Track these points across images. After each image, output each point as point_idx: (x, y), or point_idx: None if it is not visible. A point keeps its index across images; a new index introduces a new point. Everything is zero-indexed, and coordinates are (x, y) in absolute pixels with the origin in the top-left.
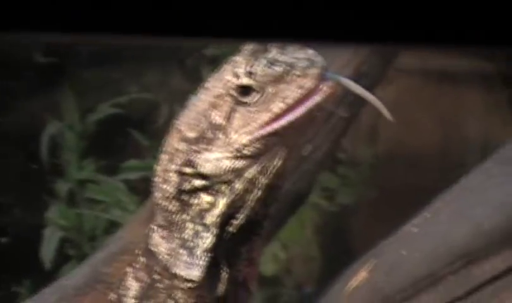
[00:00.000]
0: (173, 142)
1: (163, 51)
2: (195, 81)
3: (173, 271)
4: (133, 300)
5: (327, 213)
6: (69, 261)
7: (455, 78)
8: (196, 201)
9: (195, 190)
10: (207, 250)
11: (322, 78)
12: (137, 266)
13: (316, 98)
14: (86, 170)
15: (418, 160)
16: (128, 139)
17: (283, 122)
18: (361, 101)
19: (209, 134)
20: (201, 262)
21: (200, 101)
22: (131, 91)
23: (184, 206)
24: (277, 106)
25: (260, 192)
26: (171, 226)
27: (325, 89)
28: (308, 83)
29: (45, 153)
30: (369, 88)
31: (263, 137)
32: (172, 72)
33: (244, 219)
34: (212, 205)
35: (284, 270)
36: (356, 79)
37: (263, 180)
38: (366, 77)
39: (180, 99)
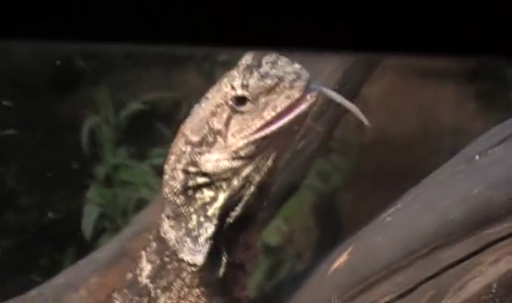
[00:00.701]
0: (179, 144)
1: (183, 56)
2: (210, 82)
3: (180, 257)
4: (146, 279)
5: (321, 193)
6: (105, 233)
7: (431, 75)
8: (200, 196)
9: (199, 187)
10: (208, 238)
11: (307, 89)
12: (149, 249)
13: (302, 107)
14: (119, 156)
15: (401, 146)
16: (154, 131)
17: (273, 127)
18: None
19: (210, 138)
20: (203, 249)
21: (202, 109)
22: (157, 90)
23: (190, 199)
24: (269, 114)
25: (254, 188)
26: (178, 217)
27: (309, 98)
28: (296, 93)
29: (86, 142)
30: (356, 89)
31: (256, 140)
32: (191, 74)
33: (240, 211)
34: (214, 199)
35: (286, 241)
36: (336, 90)
37: (257, 178)
38: (354, 80)
39: (197, 97)
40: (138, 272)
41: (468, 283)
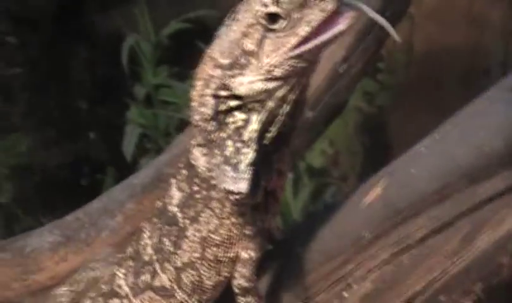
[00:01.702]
0: (207, 69)
1: None
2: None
3: (222, 187)
4: (175, 208)
5: (367, 114)
6: (147, 153)
7: None
8: (231, 120)
9: (230, 110)
10: (250, 164)
11: (340, 1)
12: (179, 177)
13: (339, 27)
14: (160, 76)
15: (450, 59)
16: (196, 50)
17: (310, 45)
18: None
19: (242, 60)
20: (246, 176)
21: (232, 31)
22: (199, 8)
23: (222, 125)
24: (304, 29)
25: (288, 107)
26: (211, 144)
27: (345, 16)
28: (329, 5)
29: (125, 61)
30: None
31: (292, 58)
32: None
33: (276, 131)
34: (246, 122)
35: (331, 162)
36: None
37: (291, 97)
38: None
39: None
40: (167, 200)
41: (505, 218)
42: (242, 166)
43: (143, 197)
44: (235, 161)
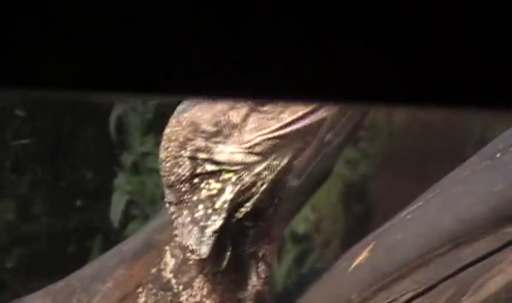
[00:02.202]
0: (185, 132)
1: None
2: None
3: (185, 243)
4: (170, 274)
5: (349, 181)
6: (133, 220)
7: None
8: (206, 186)
9: (206, 176)
10: (215, 231)
11: None
12: (173, 244)
13: (321, 113)
14: (147, 144)
15: (432, 131)
16: None
17: (290, 129)
18: None
19: (226, 131)
20: (209, 241)
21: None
22: None
23: (195, 188)
24: (288, 115)
25: (265, 185)
26: (180, 204)
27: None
28: None
29: (114, 131)
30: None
31: (272, 139)
32: None
33: (250, 207)
34: (221, 191)
35: (313, 229)
36: None
37: (269, 176)
38: None
39: None
40: (162, 267)
41: (488, 281)
42: (208, 231)
43: (133, 263)
44: (202, 224)
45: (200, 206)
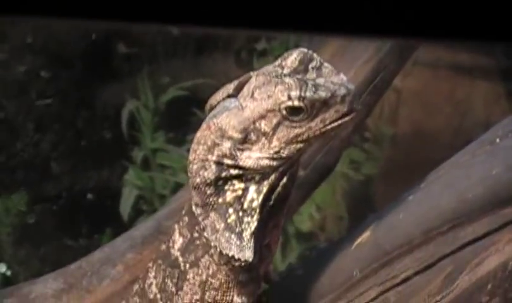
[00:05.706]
0: (213, 137)
1: (222, 44)
2: (247, 70)
3: (227, 254)
4: (177, 252)
5: (353, 181)
6: (142, 214)
7: (464, 72)
8: (230, 187)
9: (230, 178)
10: (253, 233)
11: (352, 105)
12: (182, 223)
13: (346, 120)
14: (157, 140)
15: (433, 140)
16: (192, 117)
17: (317, 133)
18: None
19: (253, 137)
20: (251, 244)
21: (249, 109)
22: (196, 77)
23: (220, 191)
24: (317, 125)
25: (285, 179)
26: (206, 206)
27: (353, 114)
28: (344, 109)
29: (125, 126)
30: (389, 79)
31: (298, 143)
32: (229, 62)
33: (273, 200)
34: (245, 191)
35: (318, 227)
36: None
37: (291, 171)
38: (387, 70)
39: None
40: (170, 244)
41: (485, 260)
42: (246, 235)
43: (143, 248)
44: (238, 229)
45: (230, 210)
